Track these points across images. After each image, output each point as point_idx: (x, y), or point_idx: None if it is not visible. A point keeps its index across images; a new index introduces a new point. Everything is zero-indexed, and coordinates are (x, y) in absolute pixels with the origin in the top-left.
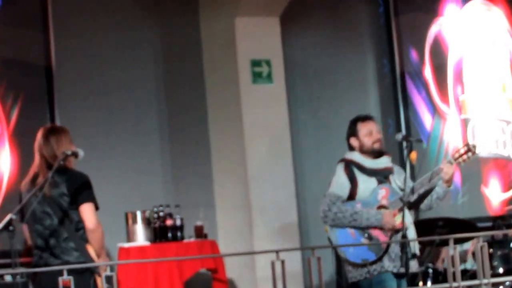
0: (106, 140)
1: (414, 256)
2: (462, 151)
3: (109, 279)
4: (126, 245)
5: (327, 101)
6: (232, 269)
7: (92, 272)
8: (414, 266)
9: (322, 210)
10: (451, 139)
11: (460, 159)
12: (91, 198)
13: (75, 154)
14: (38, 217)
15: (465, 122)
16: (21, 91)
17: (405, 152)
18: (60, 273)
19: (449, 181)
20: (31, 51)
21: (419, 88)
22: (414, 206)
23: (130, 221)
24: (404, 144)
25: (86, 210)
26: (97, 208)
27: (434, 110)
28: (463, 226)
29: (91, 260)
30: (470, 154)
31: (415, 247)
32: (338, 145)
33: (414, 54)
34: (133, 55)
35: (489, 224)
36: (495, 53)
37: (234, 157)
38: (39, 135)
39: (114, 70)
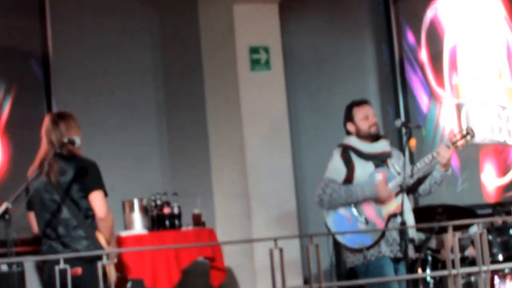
0: (103, 128)
1: (411, 241)
2: (460, 135)
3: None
4: (124, 233)
5: (325, 88)
6: (230, 257)
7: (101, 260)
8: (410, 251)
9: (317, 195)
10: (447, 123)
11: (458, 143)
12: (100, 186)
13: (71, 142)
14: (47, 205)
15: (459, 107)
16: (15, 80)
17: (404, 138)
18: (69, 262)
19: (446, 165)
20: (26, 39)
21: (416, 72)
22: (411, 190)
23: (127, 210)
24: (403, 130)
25: (96, 198)
26: (106, 194)
27: (430, 93)
28: (462, 213)
29: (101, 248)
30: (468, 138)
31: (412, 232)
32: (337, 132)
33: (411, 38)
34: (130, 42)
35: (488, 211)
36: (492, 39)
37: (232, 145)
38: (47, 120)
39: (111, 57)
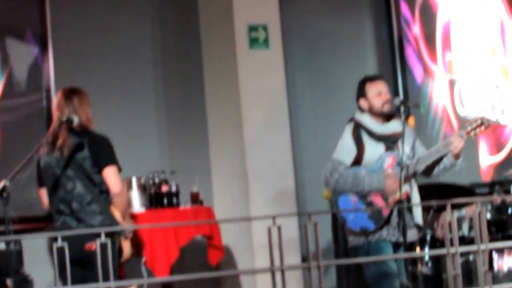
0: (101, 107)
1: (417, 226)
2: (475, 125)
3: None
4: None
5: (324, 66)
6: (228, 235)
7: (118, 235)
8: (414, 235)
9: (323, 176)
10: (440, 99)
11: (472, 133)
12: (113, 161)
13: (69, 121)
14: (60, 181)
15: (452, 83)
16: (11, 60)
17: (403, 117)
18: (85, 237)
19: (458, 155)
20: (24, 16)
21: (411, 47)
22: (424, 174)
23: (125, 188)
24: (402, 109)
25: (110, 174)
26: (120, 170)
27: (424, 68)
28: (460, 192)
29: (116, 223)
30: (483, 128)
31: (418, 217)
32: (335, 111)
33: (406, 12)
34: (128, 20)
35: (487, 190)
36: (485, 16)
37: (230, 123)
38: (60, 95)
39: (110, 35)
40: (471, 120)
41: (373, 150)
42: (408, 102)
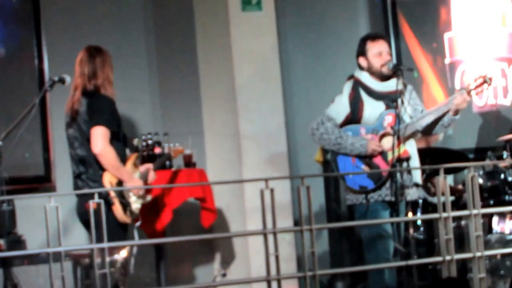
0: None
1: (416, 185)
2: (477, 82)
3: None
4: None
5: (317, 29)
6: (220, 198)
7: (106, 201)
8: (414, 194)
9: (310, 127)
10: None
11: (474, 91)
12: (101, 122)
13: (62, 80)
14: (70, 141)
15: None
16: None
17: (400, 79)
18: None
19: (457, 112)
20: None
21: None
22: (422, 133)
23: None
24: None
25: (93, 134)
26: (114, 133)
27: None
28: (454, 156)
29: (102, 187)
30: (485, 86)
31: (416, 176)
32: (328, 73)
33: None
34: None
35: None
36: None
37: (223, 85)
38: (83, 52)
39: (102, 2)
40: (473, 77)
41: (373, 108)
42: (401, 65)
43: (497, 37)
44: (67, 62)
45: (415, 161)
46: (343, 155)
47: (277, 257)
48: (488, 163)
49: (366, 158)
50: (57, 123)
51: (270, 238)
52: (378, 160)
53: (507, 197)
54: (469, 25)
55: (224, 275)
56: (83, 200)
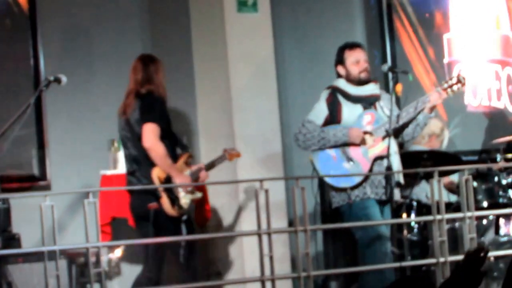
0: (89, 67)
1: (398, 184)
2: (452, 82)
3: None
4: (109, 172)
5: (312, 31)
6: (215, 198)
7: (155, 195)
8: (396, 194)
9: (294, 134)
10: None
11: (449, 90)
12: (152, 119)
13: (57, 80)
14: (124, 142)
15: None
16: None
17: (391, 83)
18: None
19: (432, 109)
20: None
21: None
22: (396, 133)
23: (113, 149)
24: (390, 75)
25: (144, 130)
26: (164, 131)
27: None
28: (447, 159)
29: (151, 183)
30: (460, 85)
31: (399, 176)
32: (323, 75)
33: None
34: None
35: (474, 157)
36: None
37: (218, 87)
38: (136, 61)
39: (97, 5)
40: (448, 78)
41: (351, 111)
42: (396, 68)
43: (491, 39)
44: (62, 62)
45: (395, 159)
46: (328, 148)
47: (271, 258)
48: (481, 166)
49: (346, 153)
50: (52, 122)
51: (265, 238)
52: (358, 157)
53: (500, 200)
54: (465, 27)
55: (219, 274)
56: (136, 196)
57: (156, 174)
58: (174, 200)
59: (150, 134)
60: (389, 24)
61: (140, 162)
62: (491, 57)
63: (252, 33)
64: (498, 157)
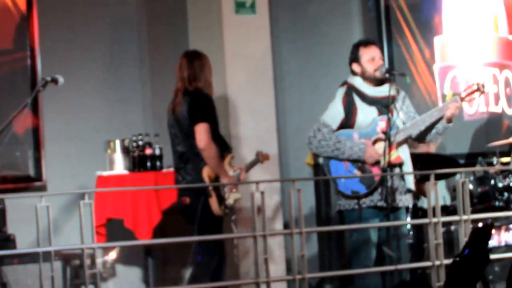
0: (85, 68)
1: (409, 191)
2: (470, 90)
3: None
4: (105, 173)
5: (310, 33)
6: None
7: (205, 193)
8: (407, 200)
9: (308, 136)
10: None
11: (467, 98)
12: (205, 118)
13: (54, 81)
14: (172, 139)
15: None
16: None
17: (394, 84)
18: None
19: (451, 119)
20: None
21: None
22: (417, 139)
23: (109, 150)
24: (388, 77)
25: (198, 130)
26: (213, 127)
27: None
28: (444, 162)
29: (202, 182)
30: (478, 93)
31: (410, 182)
32: (320, 77)
33: None
34: None
35: (470, 161)
36: None
37: (215, 88)
38: (181, 58)
39: (95, 6)
40: (467, 86)
41: (366, 113)
42: (394, 70)
43: (489, 42)
44: (60, 62)
45: (408, 167)
46: (341, 160)
47: (266, 260)
48: (478, 168)
49: (359, 162)
50: (49, 123)
51: (260, 240)
52: (370, 165)
53: (497, 203)
54: (461, 29)
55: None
56: (182, 193)
57: (207, 173)
58: (222, 199)
59: (204, 134)
60: (387, 27)
61: (186, 159)
62: (488, 60)
63: (250, 34)
64: (495, 160)
